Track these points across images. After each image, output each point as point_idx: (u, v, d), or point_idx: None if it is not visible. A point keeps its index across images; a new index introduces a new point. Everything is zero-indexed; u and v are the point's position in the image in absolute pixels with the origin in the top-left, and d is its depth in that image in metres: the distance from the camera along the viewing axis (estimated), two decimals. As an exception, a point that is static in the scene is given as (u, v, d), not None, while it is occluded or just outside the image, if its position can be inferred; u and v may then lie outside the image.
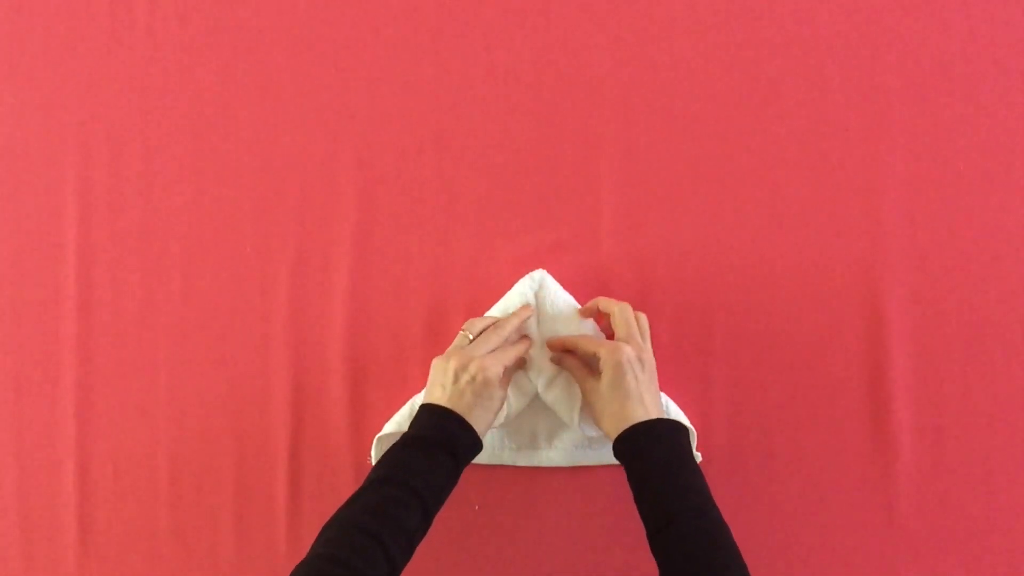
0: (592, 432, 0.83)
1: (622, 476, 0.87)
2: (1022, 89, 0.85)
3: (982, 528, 0.83)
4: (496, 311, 0.84)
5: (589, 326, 0.84)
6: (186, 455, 0.91)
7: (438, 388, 0.75)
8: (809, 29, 0.86)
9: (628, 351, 0.75)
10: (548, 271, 0.85)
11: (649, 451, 0.72)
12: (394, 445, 0.73)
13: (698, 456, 0.82)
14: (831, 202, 0.85)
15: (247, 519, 0.90)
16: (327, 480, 0.89)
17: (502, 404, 0.77)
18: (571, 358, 0.81)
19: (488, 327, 0.80)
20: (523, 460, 0.87)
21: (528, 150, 0.89)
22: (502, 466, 0.88)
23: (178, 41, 0.94)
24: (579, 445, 0.87)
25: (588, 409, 0.79)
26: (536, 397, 0.84)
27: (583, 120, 0.88)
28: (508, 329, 0.79)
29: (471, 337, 0.79)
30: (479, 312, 0.86)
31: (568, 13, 0.89)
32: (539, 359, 0.82)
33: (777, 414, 0.85)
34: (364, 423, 0.88)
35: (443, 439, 0.72)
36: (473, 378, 0.74)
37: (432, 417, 0.74)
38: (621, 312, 0.79)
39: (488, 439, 0.86)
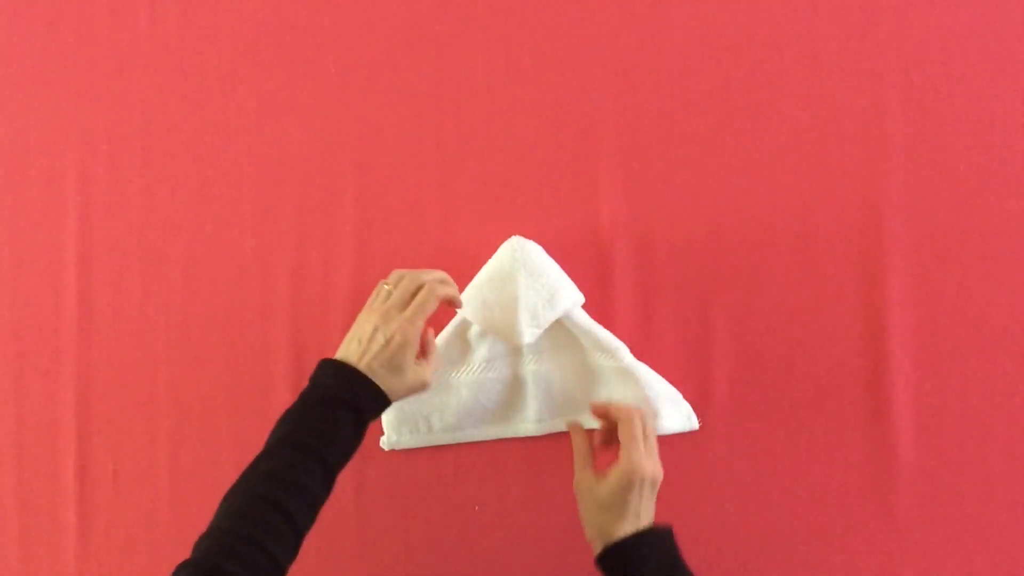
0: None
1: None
2: (1022, 89, 0.85)
3: (982, 528, 0.83)
4: (480, 278, 0.84)
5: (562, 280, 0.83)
6: (186, 455, 0.91)
7: (355, 343, 0.73)
8: (808, 29, 0.86)
9: (648, 471, 0.71)
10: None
11: (638, 569, 0.70)
12: (296, 402, 0.70)
13: (696, 424, 0.84)
14: (832, 201, 0.85)
15: (247, 519, 0.90)
16: (327, 480, 0.89)
17: (415, 373, 0.73)
18: (581, 435, 0.77)
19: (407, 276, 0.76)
20: (493, 433, 0.87)
21: (527, 150, 0.89)
22: (502, 466, 0.88)
23: (178, 41, 0.94)
24: (552, 414, 0.87)
25: (578, 501, 0.75)
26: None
27: (582, 120, 0.88)
28: (429, 276, 0.75)
29: (387, 287, 0.75)
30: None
31: (566, 12, 0.89)
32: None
33: (776, 410, 0.85)
34: (364, 423, 0.88)
35: (346, 397, 0.69)
36: (388, 340, 0.72)
37: (337, 374, 0.71)
38: (630, 421, 0.73)
39: (452, 419, 0.86)
